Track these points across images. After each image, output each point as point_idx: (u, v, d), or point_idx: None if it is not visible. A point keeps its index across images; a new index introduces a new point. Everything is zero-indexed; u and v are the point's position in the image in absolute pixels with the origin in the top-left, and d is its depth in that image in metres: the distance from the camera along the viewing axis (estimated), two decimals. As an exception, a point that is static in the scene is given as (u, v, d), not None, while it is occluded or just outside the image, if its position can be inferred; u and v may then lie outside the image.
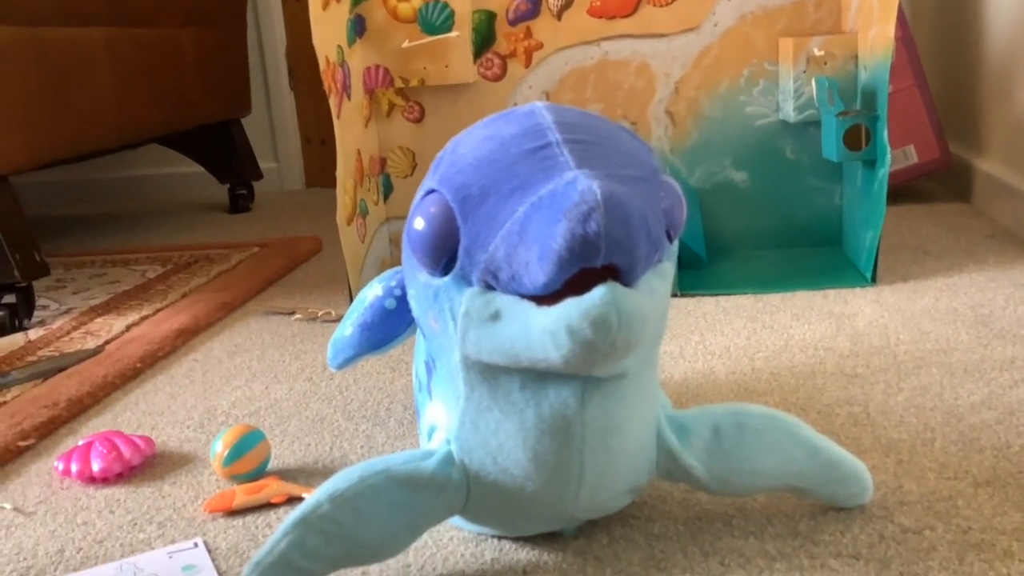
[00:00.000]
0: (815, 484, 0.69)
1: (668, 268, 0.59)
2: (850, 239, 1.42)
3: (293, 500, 0.79)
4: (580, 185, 0.51)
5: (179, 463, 0.89)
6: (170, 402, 1.05)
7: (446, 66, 1.44)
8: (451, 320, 0.58)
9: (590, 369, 0.55)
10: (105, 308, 1.44)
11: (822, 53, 1.35)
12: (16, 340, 1.31)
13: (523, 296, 0.54)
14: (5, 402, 1.05)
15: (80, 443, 0.89)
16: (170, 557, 0.71)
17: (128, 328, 1.31)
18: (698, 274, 1.38)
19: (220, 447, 0.82)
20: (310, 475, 0.84)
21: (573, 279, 0.52)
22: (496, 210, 0.55)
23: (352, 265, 1.31)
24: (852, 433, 0.84)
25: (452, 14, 1.42)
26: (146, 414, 1.02)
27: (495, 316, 0.56)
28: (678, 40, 1.44)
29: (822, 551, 0.66)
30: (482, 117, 0.63)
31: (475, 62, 1.46)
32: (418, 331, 0.72)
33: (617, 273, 0.52)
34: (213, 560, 0.71)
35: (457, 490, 0.64)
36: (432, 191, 0.58)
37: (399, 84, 1.45)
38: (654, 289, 0.56)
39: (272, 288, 1.53)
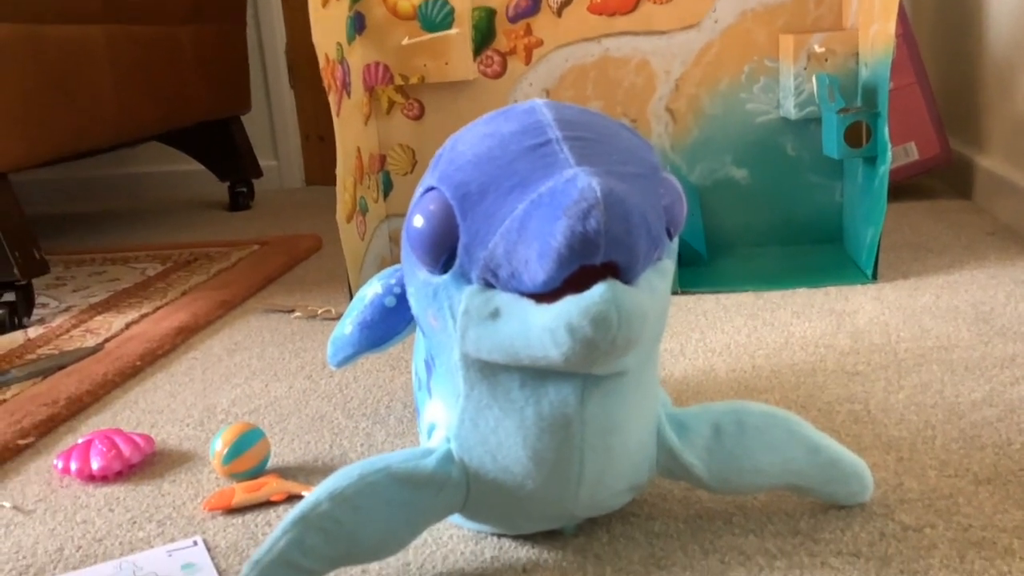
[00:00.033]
0: (815, 482, 0.69)
1: (668, 265, 0.59)
2: (851, 236, 1.42)
3: (292, 498, 0.79)
4: (580, 182, 0.51)
5: (178, 461, 0.89)
6: (170, 400, 1.05)
7: (446, 63, 1.44)
8: (450, 318, 0.58)
9: (590, 367, 0.55)
10: (105, 306, 1.44)
11: (823, 50, 1.35)
12: (15, 338, 1.31)
13: (523, 294, 0.54)
14: (4, 400, 1.05)
15: (80, 441, 0.89)
16: (169, 555, 0.71)
17: (128, 326, 1.31)
18: (698, 271, 1.38)
19: (219, 445, 0.82)
20: (309, 473, 0.84)
21: (573, 277, 0.51)
22: (495, 207, 0.54)
23: (352, 263, 1.30)
24: (852, 431, 0.84)
25: (452, 11, 1.42)
26: (146, 412, 1.02)
27: (495, 314, 0.56)
28: (678, 37, 1.44)
29: (822, 549, 0.66)
30: (482, 114, 0.62)
31: (475, 59, 1.46)
32: (418, 329, 0.72)
33: (617, 271, 0.52)
34: (212, 558, 0.71)
35: (457, 488, 0.63)
36: (431, 189, 0.58)
37: (399, 81, 1.45)
38: (654, 287, 0.56)
39: (272, 286, 1.53)
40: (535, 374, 0.58)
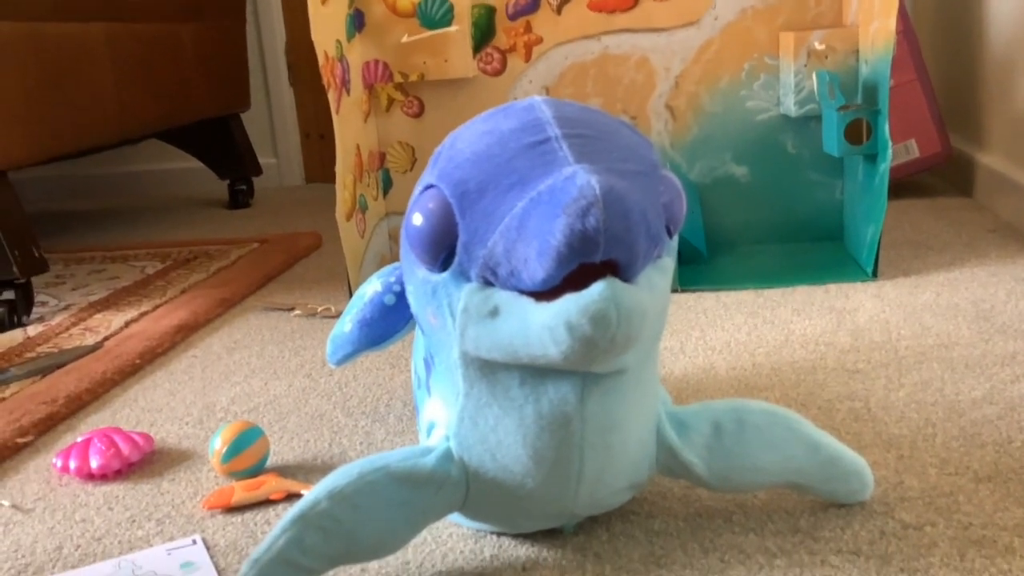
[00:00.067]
0: (815, 480, 0.69)
1: (668, 263, 0.59)
2: (851, 234, 1.42)
3: (292, 497, 0.79)
4: (579, 180, 0.51)
5: (178, 460, 0.89)
6: (169, 398, 1.05)
7: (445, 61, 1.44)
8: (450, 316, 0.58)
9: (589, 365, 0.55)
10: (104, 304, 1.44)
11: (823, 47, 1.35)
12: (15, 336, 1.30)
13: (522, 292, 0.54)
14: (4, 399, 1.05)
15: (79, 440, 0.89)
16: (169, 554, 0.71)
17: (127, 324, 1.31)
18: (698, 269, 1.38)
19: (219, 443, 0.82)
20: (309, 471, 0.84)
21: (572, 275, 0.51)
22: (495, 205, 0.54)
23: (351, 261, 1.30)
24: (853, 429, 0.84)
25: (451, 8, 1.42)
26: (145, 410, 1.02)
27: (494, 312, 0.55)
28: (678, 34, 1.44)
29: (822, 547, 0.66)
30: (481, 112, 0.62)
31: (475, 57, 1.45)
32: (417, 327, 0.72)
33: (616, 269, 0.52)
34: (212, 557, 0.71)
35: (456, 487, 0.63)
36: (430, 186, 0.58)
37: (398, 79, 1.45)
38: (654, 284, 0.56)
39: (271, 284, 1.53)
40: (534, 372, 0.58)
